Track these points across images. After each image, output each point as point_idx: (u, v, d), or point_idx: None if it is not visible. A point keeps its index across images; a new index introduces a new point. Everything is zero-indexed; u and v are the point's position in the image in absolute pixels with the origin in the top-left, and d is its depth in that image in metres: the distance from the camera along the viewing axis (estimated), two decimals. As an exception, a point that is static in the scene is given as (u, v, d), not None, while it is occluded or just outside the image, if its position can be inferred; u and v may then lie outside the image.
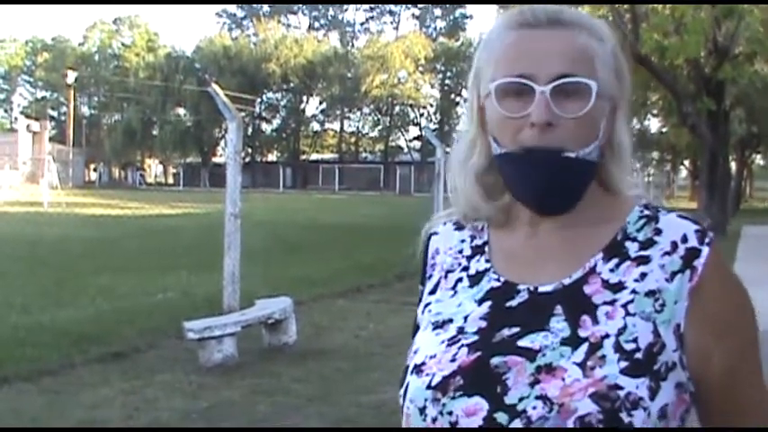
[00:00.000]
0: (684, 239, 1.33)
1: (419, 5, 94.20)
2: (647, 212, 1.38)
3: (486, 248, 1.46)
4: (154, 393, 7.31)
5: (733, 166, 44.27)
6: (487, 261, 1.44)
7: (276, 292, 10.40)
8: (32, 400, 7.08)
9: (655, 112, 42.72)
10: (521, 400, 1.23)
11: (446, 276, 1.47)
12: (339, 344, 9.51)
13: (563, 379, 1.23)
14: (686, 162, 61.05)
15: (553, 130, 1.30)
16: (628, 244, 1.36)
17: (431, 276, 1.51)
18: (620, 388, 1.21)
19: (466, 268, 1.46)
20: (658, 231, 1.35)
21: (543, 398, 1.22)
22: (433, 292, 1.48)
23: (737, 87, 26.53)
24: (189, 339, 8.27)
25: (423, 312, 1.47)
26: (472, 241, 1.49)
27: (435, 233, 1.55)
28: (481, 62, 1.40)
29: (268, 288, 11.34)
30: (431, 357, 1.33)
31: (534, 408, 1.22)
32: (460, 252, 1.49)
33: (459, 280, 1.45)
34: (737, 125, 40.55)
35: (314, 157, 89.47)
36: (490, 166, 1.41)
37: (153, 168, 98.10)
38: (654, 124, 51.84)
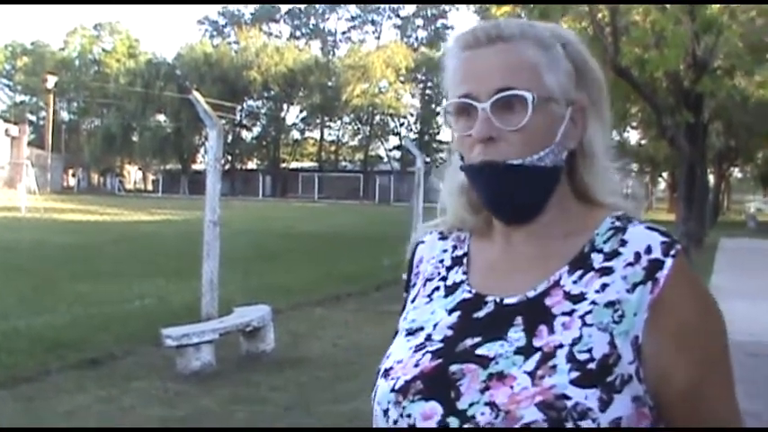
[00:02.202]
0: (648, 251, 1.32)
1: (401, 16, 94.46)
2: (617, 224, 1.39)
3: (465, 260, 1.49)
4: (130, 401, 7.27)
5: (711, 178, 44.56)
6: (464, 273, 1.47)
7: (254, 300, 10.38)
8: (7, 407, 7.03)
9: (634, 124, 42.99)
10: (471, 405, 1.26)
11: (425, 285, 1.52)
12: (317, 352, 9.49)
13: (512, 387, 1.25)
14: (665, 174, 61.42)
15: (497, 144, 1.34)
16: (593, 255, 1.37)
17: (414, 284, 1.55)
18: (568, 398, 1.22)
19: (444, 278, 1.49)
20: (623, 242, 1.36)
21: (491, 404, 1.25)
22: (413, 299, 1.52)
23: (716, 101, 26.69)
24: (167, 346, 8.24)
25: (402, 319, 1.50)
26: (453, 251, 1.53)
27: (422, 242, 1.60)
28: (444, 87, 1.46)
29: (246, 296, 11.32)
30: (398, 362, 1.38)
31: (482, 414, 1.25)
32: (441, 262, 1.53)
33: (437, 289, 1.48)
34: (716, 138, 40.83)
35: (294, 165, 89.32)
36: None
37: (132, 175, 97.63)
38: (633, 136, 52.16)
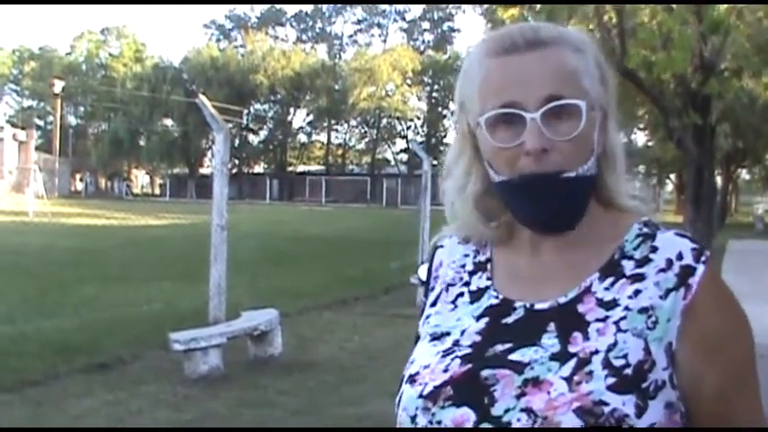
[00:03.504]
0: (680, 257, 1.32)
1: (407, 19, 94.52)
2: (645, 230, 1.37)
3: (489, 266, 1.47)
4: (138, 405, 7.27)
5: (719, 180, 44.47)
6: (489, 279, 1.45)
7: (262, 304, 10.38)
8: (15, 411, 7.03)
9: (641, 125, 42.97)
10: (506, 411, 1.24)
11: (447, 290, 1.49)
12: (325, 356, 9.48)
13: (549, 392, 1.23)
14: (672, 176, 61.30)
15: (549, 155, 1.29)
16: (624, 262, 1.35)
17: (433, 288, 1.52)
18: (606, 404, 1.21)
19: (467, 283, 1.47)
20: (654, 249, 1.34)
21: (528, 410, 1.22)
22: (433, 304, 1.49)
23: (723, 102, 26.58)
24: (175, 350, 8.24)
25: (423, 324, 1.48)
26: (475, 257, 1.50)
27: (441, 246, 1.57)
28: (465, 95, 1.39)
29: (254, 300, 11.31)
30: (425, 367, 1.34)
31: (519, 420, 1.22)
32: (463, 267, 1.50)
33: (461, 295, 1.46)
34: (723, 140, 40.68)
35: (301, 168, 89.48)
36: (487, 190, 1.41)
37: (139, 179, 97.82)
38: (640, 138, 52.08)
